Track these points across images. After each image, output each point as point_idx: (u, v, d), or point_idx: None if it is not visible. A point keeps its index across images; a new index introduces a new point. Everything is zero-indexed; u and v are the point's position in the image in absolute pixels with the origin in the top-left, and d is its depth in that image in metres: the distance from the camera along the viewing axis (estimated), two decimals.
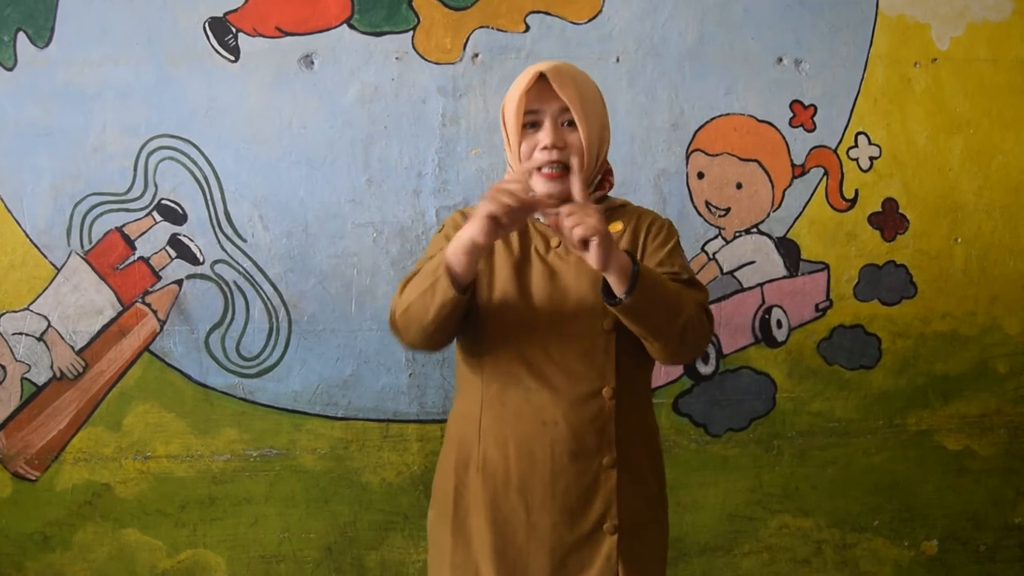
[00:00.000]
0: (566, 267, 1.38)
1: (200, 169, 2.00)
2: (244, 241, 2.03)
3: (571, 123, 1.38)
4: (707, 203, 2.12)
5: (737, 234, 2.14)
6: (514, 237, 1.42)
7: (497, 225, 1.22)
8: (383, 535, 2.12)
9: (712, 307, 2.12)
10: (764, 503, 2.22)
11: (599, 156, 1.43)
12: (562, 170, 1.36)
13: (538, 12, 2.04)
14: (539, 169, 1.37)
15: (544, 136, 1.37)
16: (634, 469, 1.41)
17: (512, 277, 1.38)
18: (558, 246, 1.40)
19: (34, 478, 2.04)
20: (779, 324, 2.17)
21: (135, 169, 1.99)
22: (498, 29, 2.04)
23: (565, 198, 1.32)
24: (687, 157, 2.11)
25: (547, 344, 1.36)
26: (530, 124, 1.38)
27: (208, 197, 2.01)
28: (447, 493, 1.44)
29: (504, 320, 1.37)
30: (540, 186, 1.37)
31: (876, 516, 2.26)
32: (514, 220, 1.23)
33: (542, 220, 1.42)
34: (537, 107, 1.37)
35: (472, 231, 1.24)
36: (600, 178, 1.46)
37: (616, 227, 1.42)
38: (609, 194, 1.49)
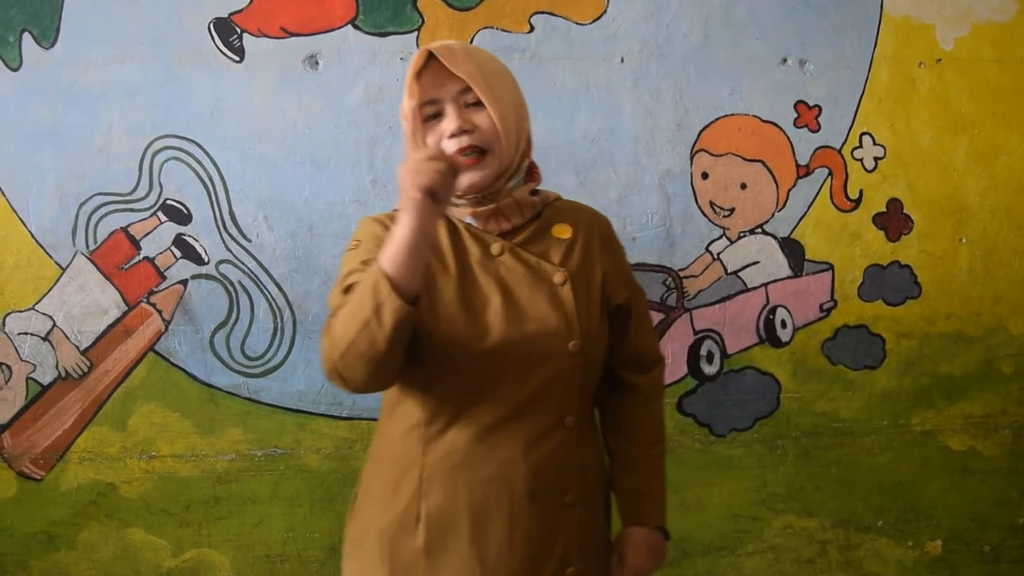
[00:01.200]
0: (516, 279, 1.21)
1: (205, 169, 2.00)
2: (249, 241, 2.03)
3: (477, 104, 1.20)
4: (711, 203, 2.12)
5: (741, 234, 2.14)
6: (447, 249, 1.23)
7: (435, 201, 1.06)
8: None
9: (717, 307, 2.14)
10: (768, 503, 2.22)
11: (519, 138, 1.24)
12: (478, 154, 1.19)
13: (542, 12, 2.04)
14: None
15: (448, 123, 1.19)
16: (593, 504, 1.30)
17: (457, 300, 1.19)
18: (500, 254, 1.23)
19: (39, 478, 2.04)
20: (783, 324, 2.16)
21: (140, 169, 1.99)
22: (502, 30, 2.04)
23: (483, 188, 1.21)
24: (691, 157, 2.11)
25: (504, 374, 1.19)
26: (432, 116, 1.21)
27: (213, 197, 2.01)
28: (376, 548, 1.23)
29: (454, 351, 1.18)
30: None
31: (880, 516, 2.26)
32: (447, 189, 1.08)
33: (474, 223, 1.26)
34: (435, 95, 1.20)
35: (409, 222, 1.06)
36: (528, 168, 1.30)
37: (565, 232, 1.28)
38: (540, 187, 1.33)
